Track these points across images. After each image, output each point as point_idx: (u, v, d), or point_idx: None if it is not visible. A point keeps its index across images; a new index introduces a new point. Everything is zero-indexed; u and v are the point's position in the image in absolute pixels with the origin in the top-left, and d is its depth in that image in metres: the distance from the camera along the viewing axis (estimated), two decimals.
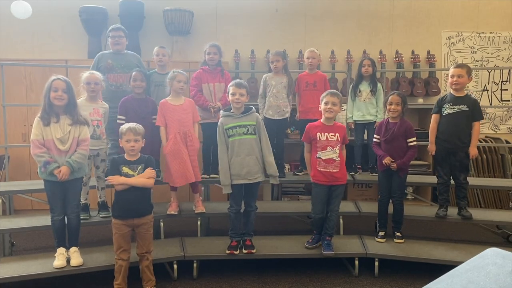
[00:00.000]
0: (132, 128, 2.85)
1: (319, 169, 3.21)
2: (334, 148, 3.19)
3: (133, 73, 3.46)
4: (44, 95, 2.82)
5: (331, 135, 3.20)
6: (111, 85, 3.74)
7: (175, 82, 3.40)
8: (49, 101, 2.80)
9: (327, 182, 3.20)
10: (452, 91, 3.51)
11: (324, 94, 3.27)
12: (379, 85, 4.19)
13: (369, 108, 4.15)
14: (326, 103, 3.20)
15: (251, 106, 3.26)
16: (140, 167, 2.86)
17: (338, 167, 3.19)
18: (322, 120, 3.28)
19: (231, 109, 3.21)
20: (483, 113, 3.66)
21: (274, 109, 3.95)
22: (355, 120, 4.23)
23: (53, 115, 2.82)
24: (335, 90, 3.33)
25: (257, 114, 3.27)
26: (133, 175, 2.84)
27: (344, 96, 4.81)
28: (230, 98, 3.17)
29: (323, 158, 3.19)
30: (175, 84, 3.41)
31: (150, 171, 2.87)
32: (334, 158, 3.18)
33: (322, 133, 3.21)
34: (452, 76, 3.44)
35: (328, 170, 3.18)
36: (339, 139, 3.21)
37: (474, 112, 3.44)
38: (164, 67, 3.87)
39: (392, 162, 3.33)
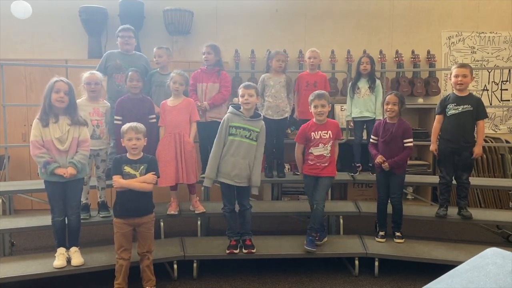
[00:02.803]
0: (133, 127, 2.85)
1: (310, 162, 3.33)
2: (326, 145, 3.30)
3: (129, 73, 3.44)
4: (44, 96, 2.82)
5: (324, 133, 3.31)
6: (117, 85, 3.73)
7: (171, 83, 3.44)
8: (50, 102, 2.80)
9: (314, 174, 3.34)
10: (455, 91, 3.49)
11: (311, 97, 3.33)
12: (377, 81, 4.18)
13: (368, 104, 4.13)
14: (315, 107, 3.29)
15: (259, 113, 3.30)
16: (142, 166, 2.86)
17: (327, 162, 3.32)
18: (314, 120, 3.35)
19: (240, 108, 3.21)
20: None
21: (274, 109, 3.94)
22: (353, 118, 4.22)
23: (52, 116, 2.82)
24: (321, 92, 3.36)
25: (263, 122, 3.27)
26: (134, 175, 2.83)
27: (344, 96, 4.82)
28: (240, 100, 3.19)
29: (315, 153, 3.32)
30: (171, 85, 3.45)
31: (150, 177, 2.85)
32: (325, 154, 3.31)
33: (316, 132, 3.32)
34: (457, 76, 3.42)
35: (317, 164, 3.31)
36: (331, 136, 3.31)
37: (478, 111, 3.44)
38: (165, 67, 3.86)
39: (384, 161, 3.35)
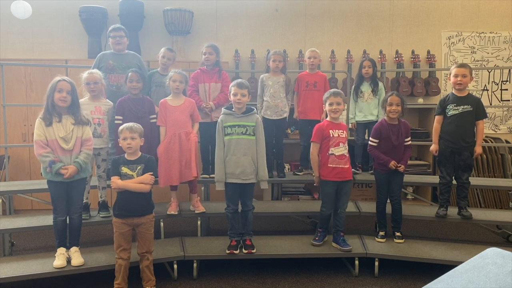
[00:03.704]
0: (128, 127, 2.85)
1: (330, 165, 3.26)
2: (345, 144, 3.29)
3: (129, 74, 3.44)
4: (47, 95, 2.82)
5: (341, 132, 3.29)
6: (111, 85, 3.74)
7: (171, 82, 3.43)
8: (52, 101, 2.81)
9: (337, 179, 3.27)
10: (454, 91, 3.50)
11: (327, 95, 3.32)
12: (380, 84, 4.18)
13: (372, 108, 4.14)
14: (331, 104, 3.26)
15: (252, 107, 3.28)
16: (139, 167, 2.86)
17: (348, 163, 3.30)
18: (329, 119, 3.33)
19: (232, 108, 3.21)
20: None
21: (272, 109, 3.94)
22: (357, 121, 4.22)
23: (55, 115, 2.82)
24: (337, 90, 3.37)
25: (257, 116, 3.27)
26: (132, 175, 2.83)
27: (345, 96, 4.82)
28: (231, 98, 3.19)
29: (336, 154, 3.26)
30: (171, 84, 3.44)
31: (148, 177, 2.85)
32: (345, 154, 3.28)
33: (334, 130, 3.28)
34: (456, 76, 3.42)
35: (340, 166, 3.25)
36: (346, 136, 3.32)
37: (478, 111, 3.44)
38: (166, 68, 3.87)
39: (397, 166, 3.37)
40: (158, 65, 3.93)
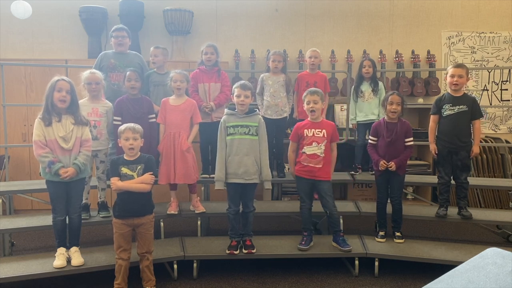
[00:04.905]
0: (130, 127, 2.86)
1: (302, 163, 3.28)
2: (320, 144, 3.25)
3: (128, 73, 3.43)
4: (46, 95, 2.81)
5: (318, 131, 3.27)
6: (113, 84, 3.73)
7: (172, 82, 3.45)
8: (52, 101, 2.80)
9: (309, 177, 3.27)
10: (450, 91, 3.50)
11: (304, 94, 3.34)
12: (380, 84, 4.19)
13: (373, 107, 4.14)
14: (308, 103, 3.27)
15: (255, 109, 3.29)
16: (139, 167, 2.86)
17: (321, 163, 3.24)
18: (309, 118, 3.33)
19: (235, 108, 3.22)
20: (483, 112, 3.66)
21: (273, 109, 3.94)
22: (358, 121, 4.22)
23: (55, 115, 2.81)
24: (314, 88, 3.38)
25: (260, 116, 3.28)
26: (132, 176, 2.83)
27: (344, 96, 4.83)
28: (235, 99, 3.19)
29: (308, 152, 3.25)
30: (172, 85, 3.45)
31: (148, 177, 2.85)
32: (319, 153, 3.25)
33: (309, 130, 3.28)
34: (452, 76, 3.43)
35: (310, 165, 3.24)
36: (325, 136, 3.26)
37: (473, 111, 3.45)
38: (162, 67, 3.86)
39: (387, 164, 3.35)
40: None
